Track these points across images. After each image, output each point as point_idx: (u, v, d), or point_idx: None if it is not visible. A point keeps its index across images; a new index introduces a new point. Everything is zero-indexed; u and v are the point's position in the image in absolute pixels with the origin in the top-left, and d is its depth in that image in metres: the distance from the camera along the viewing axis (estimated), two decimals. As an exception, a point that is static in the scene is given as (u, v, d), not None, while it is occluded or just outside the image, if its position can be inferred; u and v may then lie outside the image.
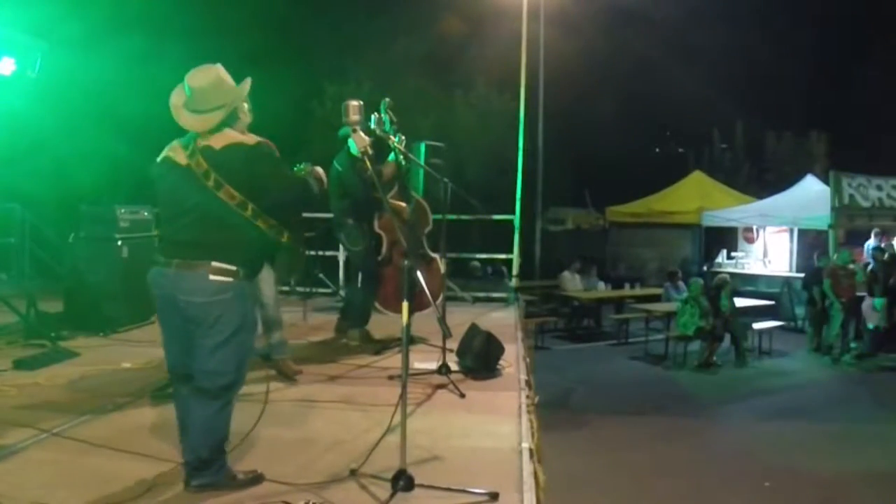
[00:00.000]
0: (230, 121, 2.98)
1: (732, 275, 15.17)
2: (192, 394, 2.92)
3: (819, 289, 11.80)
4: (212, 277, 2.80)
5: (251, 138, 2.98)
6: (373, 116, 5.27)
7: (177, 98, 2.97)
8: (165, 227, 3.02)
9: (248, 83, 3.08)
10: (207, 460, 2.90)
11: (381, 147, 5.30)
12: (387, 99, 5.22)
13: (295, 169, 3.23)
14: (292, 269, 3.00)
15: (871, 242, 13.53)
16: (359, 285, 6.05)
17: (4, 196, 9.61)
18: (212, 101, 2.91)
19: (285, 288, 8.46)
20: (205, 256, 2.82)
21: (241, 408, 4.10)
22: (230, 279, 2.82)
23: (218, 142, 2.88)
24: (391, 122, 5.27)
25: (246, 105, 3.23)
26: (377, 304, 5.65)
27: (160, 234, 3.08)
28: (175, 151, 2.93)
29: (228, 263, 2.82)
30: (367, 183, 5.21)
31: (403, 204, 5.61)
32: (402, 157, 5.38)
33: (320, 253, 8.70)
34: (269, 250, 3.04)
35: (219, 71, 2.99)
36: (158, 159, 2.99)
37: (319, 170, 3.30)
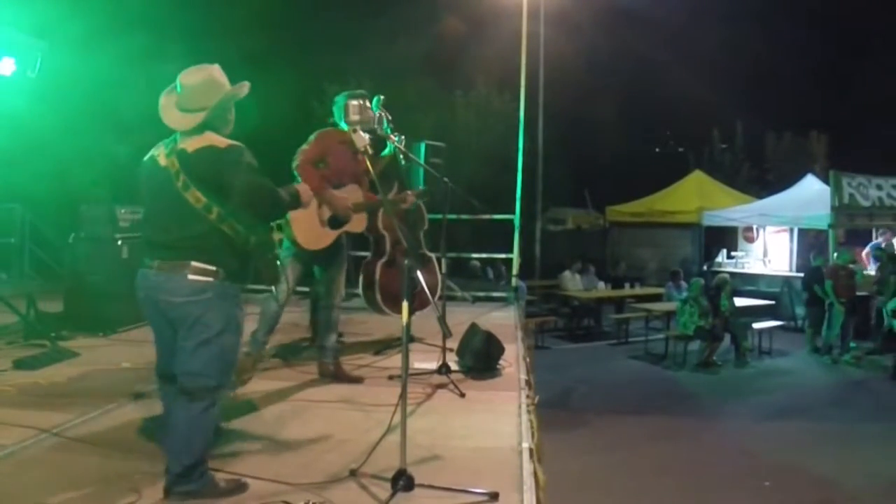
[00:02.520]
0: (214, 123, 2.94)
1: (732, 274, 15.19)
2: (175, 396, 2.89)
3: (821, 287, 11.83)
4: (190, 277, 2.80)
5: (223, 142, 2.90)
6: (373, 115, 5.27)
7: (167, 97, 2.98)
8: (146, 227, 3.02)
9: (243, 88, 3.02)
10: (190, 466, 2.84)
11: (379, 146, 5.29)
12: (381, 96, 5.22)
13: None
14: (265, 277, 2.97)
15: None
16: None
17: (4, 196, 9.61)
18: (199, 101, 2.90)
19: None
20: (183, 257, 2.82)
21: (239, 407, 4.14)
22: (209, 279, 2.81)
23: (194, 144, 2.86)
24: (387, 121, 5.26)
25: (231, 115, 3.07)
26: (382, 304, 5.60)
27: (143, 236, 3.08)
28: (159, 151, 2.96)
29: (207, 263, 2.81)
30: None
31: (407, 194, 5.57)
32: (401, 156, 5.38)
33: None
34: (244, 254, 2.94)
35: (212, 71, 2.97)
36: (145, 158, 3.01)
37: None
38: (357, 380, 4.73)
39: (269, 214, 3.01)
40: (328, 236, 4.57)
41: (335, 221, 4.59)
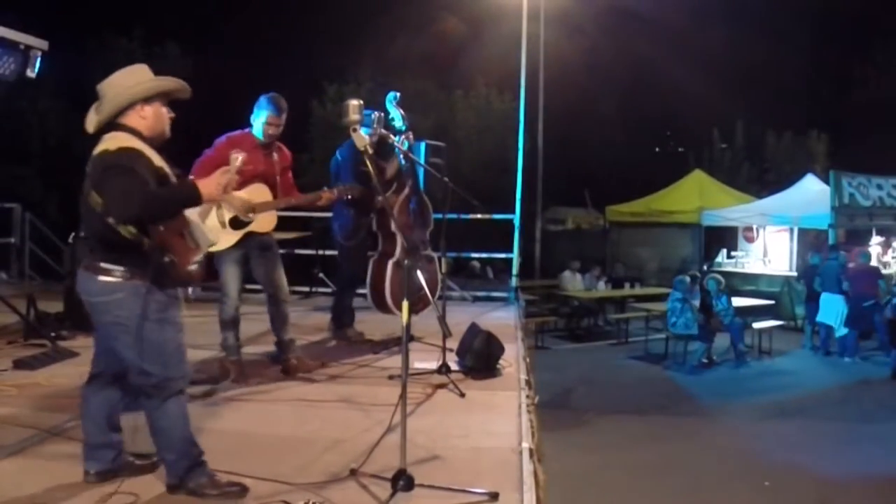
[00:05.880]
0: (115, 119, 2.89)
1: (732, 274, 15.20)
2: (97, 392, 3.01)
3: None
4: (100, 278, 2.83)
5: (114, 145, 2.81)
6: (374, 115, 5.25)
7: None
8: None
9: (141, 86, 2.91)
10: (174, 462, 2.90)
11: (380, 145, 5.28)
12: (396, 93, 5.15)
13: None
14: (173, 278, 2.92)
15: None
16: (342, 282, 6.08)
17: (4, 196, 9.63)
18: (103, 102, 2.90)
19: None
20: (95, 258, 2.86)
21: (238, 407, 4.14)
22: (118, 279, 2.82)
23: (99, 147, 2.85)
24: (402, 119, 5.22)
25: (148, 108, 2.91)
26: (390, 304, 5.53)
27: None
28: None
29: (113, 264, 2.82)
30: (366, 179, 5.20)
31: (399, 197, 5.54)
32: (402, 155, 5.37)
33: (320, 252, 8.70)
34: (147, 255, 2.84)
35: (128, 70, 2.96)
36: None
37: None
38: (315, 366, 4.84)
39: (151, 216, 2.79)
40: (229, 237, 4.52)
41: (237, 222, 4.54)
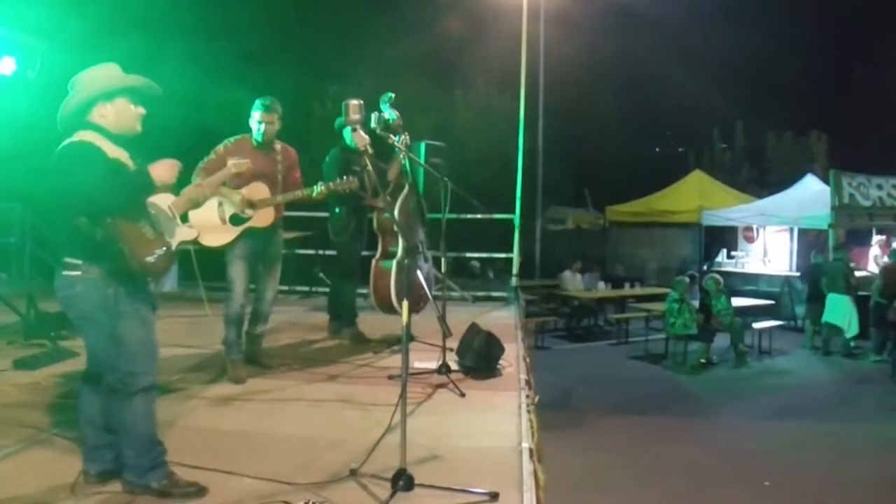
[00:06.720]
0: (80, 118, 2.91)
1: (732, 274, 15.20)
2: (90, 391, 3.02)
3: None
4: (64, 273, 2.85)
5: (70, 140, 2.84)
6: (373, 115, 5.24)
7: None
8: None
9: (100, 83, 2.92)
10: (134, 458, 2.90)
11: (380, 146, 5.27)
12: (391, 94, 5.16)
13: None
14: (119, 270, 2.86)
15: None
16: (336, 279, 6.07)
17: (5, 196, 9.61)
18: (70, 99, 2.93)
19: (284, 287, 8.46)
20: (61, 254, 2.88)
21: (238, 407, 4.14)
22: (78, 273, 2.83)
23: (65, 143, 2.87)
24: (397, 119, 5.21)
25: (109, 106, 2.92)
26: (395, 305, 5.47)
27: None
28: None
29: (76, 258, 2.84)
30: (362, 178, 5.22)
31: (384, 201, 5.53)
32: (402, 156, 5.35)
33: (319, 252, 8.69)
34: (107, 248, 2.84)
35: (94, 68, 2.97)
36: None
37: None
38: (268, 366, 4.93)
39: (103, 205, 2.78)
40: (229, 233, 4.62)
41: (237, 219, 4.64)
